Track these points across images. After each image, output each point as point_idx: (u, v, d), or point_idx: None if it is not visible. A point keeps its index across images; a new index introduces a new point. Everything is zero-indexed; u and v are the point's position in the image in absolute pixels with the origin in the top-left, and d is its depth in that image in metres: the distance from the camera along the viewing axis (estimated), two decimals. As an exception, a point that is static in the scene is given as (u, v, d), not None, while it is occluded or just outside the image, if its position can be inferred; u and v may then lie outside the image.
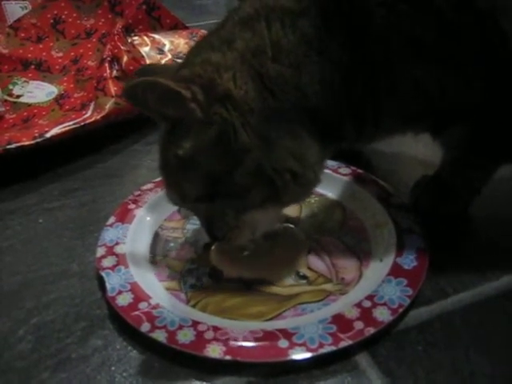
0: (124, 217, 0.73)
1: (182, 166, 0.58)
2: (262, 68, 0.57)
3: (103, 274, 0.64)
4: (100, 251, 0.67)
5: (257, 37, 0.57)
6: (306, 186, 0.62)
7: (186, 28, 1.24)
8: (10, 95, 1.10)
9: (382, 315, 0.57)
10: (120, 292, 0.61)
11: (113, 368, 0.56)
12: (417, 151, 0.81)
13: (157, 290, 0.63)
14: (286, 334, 0.55)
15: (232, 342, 0.55)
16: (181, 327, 0.56)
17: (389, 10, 0.55)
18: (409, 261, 0.63)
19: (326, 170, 0.79)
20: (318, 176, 0.62)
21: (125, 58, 1.04)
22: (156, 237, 0.73)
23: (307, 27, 0.57)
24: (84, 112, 0.96)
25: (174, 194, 0.62)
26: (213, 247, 0.68)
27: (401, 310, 0.57)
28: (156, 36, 1.16)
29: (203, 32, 1.21)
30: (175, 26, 1.22)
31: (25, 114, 1.04)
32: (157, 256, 0.69)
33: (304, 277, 0.65)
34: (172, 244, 0.71)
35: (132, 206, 0.75)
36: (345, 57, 0.57)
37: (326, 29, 0.56)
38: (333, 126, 0.60)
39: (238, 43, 0.57)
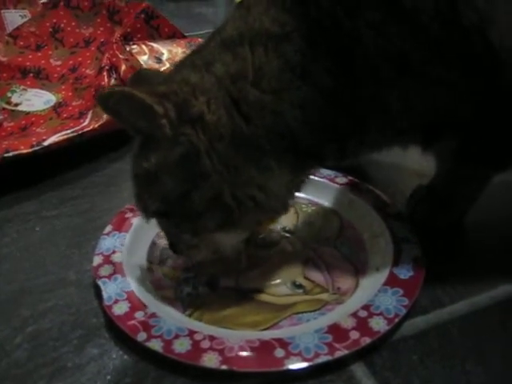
0: (121, 225, 0.73)
1: (146, 178, 0.58)
2: (239, 93, 0.56)
3: (100, 282, 0.64)
4: (97, 260, 0.67)
5: (238, 61, 0.57)
6: (270, 214, 0.63)
7: (184, 37, 1.24)
8: (9, 103, 1.10)
9: (378, 325, 0.57)
10: (116, 301, 0.61)
11: (108, 377, 0.56)
12: (413, 161, 0.81)
13: (153, 298, 0.63)
14: (282, 343, 0.55)
15: (228, 352, 0.55)
16: (177, 336, 0.56)
17: (377, 31, 0.55)
18: (405, 270, 0.63)
19: (323, 180, 0.80)
20: (285, 204, 0.62)
21: (123, 67, 1.04)
22: (153, 245, 0.72)
23: (291, 52, 0.56)
24: (82, 120, 0.96)
25: (138, 205, 0.62)
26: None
27: (397, 320, 0.57)
28: (154, 45, 1.17)
29: (201, 41, 1.22)
30: (173, 35, 1.23)
31: (23, 122, 1.04)
32: (153, 265, 0.69)
33: (300, 286, 0.65)
34: (169, 252, 0.71)
35: (129, 215, 0.75)
36: (330, 80, 0.56)
37: (311, 53, 0.56)
38: (313, 149, 0.60)
39: (217, 67, 0.57)
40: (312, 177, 0.72)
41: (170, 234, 0.64)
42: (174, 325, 0.58)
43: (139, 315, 0.59)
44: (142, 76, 0.69)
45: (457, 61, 0.57)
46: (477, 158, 0.66)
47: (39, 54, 1.22)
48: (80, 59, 1.19)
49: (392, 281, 0.62)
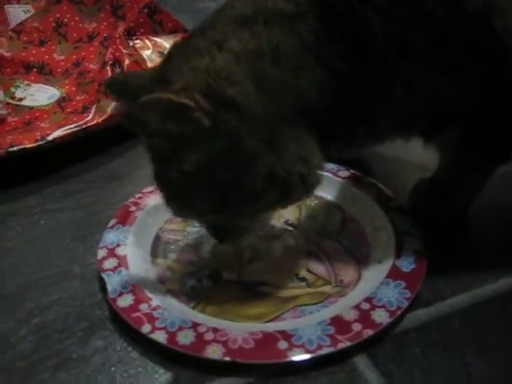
0: (125, 219, 0.74)
1: (189, 181, 0.55)
2: (262, 70, 0.55)
3: (104, 275, 0.64)
4: (101, 253, 0.68)
5: (255, 38, 0.55)
6: (311, 186, 0.61)
7: (187, 32, 1.24)
8: (13, 98, 1.10)
9: (381, 317, 0.57)
10: (121, 293, 0.61)
11: (113, 369, 0.56)
12: (415, 154, 0.82)
13: (157, 291, 0.63)
14: (285, 335, 0.56)
15: (231, 344, 0.55)
16: (181, 328, 0.57)
17: (385, 16, 0.55)
18: (407, 263, 0.64)
19: (326, 173, 0.80)
20: (321, 176, 0.62)
21: (126, 62, 1.04)
22: (157, 239, 0.73)
23: (306, 32, 0.56)
24: (86, 115, 0.96)
25: (180, 210, 0.61)
26: (211, 249, 0.70)
27: (399, 312, 0.58)
28: (158, 39, 1.16)
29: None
30: (176, 30, 1.22)
31: (27, 116, 1.04)
32: (157, 258, 0.70)
33: (303, 279, 0.66)
34: (172, 246, 0.72)
35: (133, 209, 0.76)
36: (341, 64, 0.56)
37: (324, 35, 0.56)
38: (328, 130, 0.60)
39: (232, 44, 0.55)
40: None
41: (220, 226, 0.62)
42: (177, 317, 0.58)
43: (143, 307, 0.59)
44: (121, 81, 0.65)
45: (460, 46, 0.57)
46: (479, 149, 0.66)
47: (43, 49, 1.22)
48: (83, 54, 1.19)
49: (394, 273, 0.63)
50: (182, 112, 0.51)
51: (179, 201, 0.59)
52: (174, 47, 0.61)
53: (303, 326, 0.57)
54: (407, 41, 0.56)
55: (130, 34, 1.16)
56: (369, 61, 0.57)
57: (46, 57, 1.20)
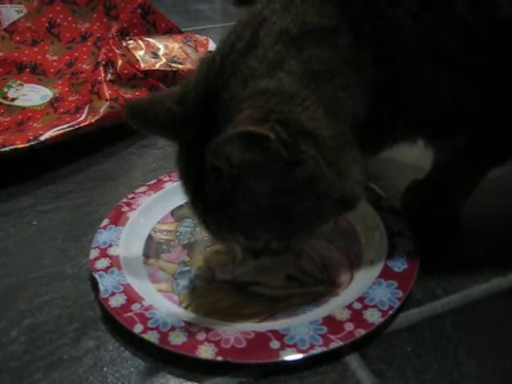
0: (117, 219, 0.74)
1: (258, 212, 0.53)
2: (324, 91, 0.53)
3: (96, 275, 0.64)
4: (93, 253, 0.68)
5: (312, 59, 0.53)
6: (359, 203, 0.59)
7: (181, 32, 1.24)
8: (5, 98, 1.10)
9: (373, 317, 0.57)
10: (113, 293, 0.61)
11: (105, 369, 0.56)
12: (408, 155, 0.82)
13: (149, 291, 0.63)
14: (278, 335, 0.56)
15: (223, 343, 0.55)
16: (173, 328, 0.57)
17: (414, 18, 0.55)
18: (399, 263, 0.64)
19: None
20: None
21: (119, 62, 1.04)
22: (149, 239, 0.73)
23: (344, 45, 0.55)
24: (78, 115, 0.96)
25: (239, 239, 0.59)
26: (206, 249, 0.70)
27: (391, 312, 0.58)
28: (151, 40, 1.16)
29: (197, 37, 1.22)
30: (170, 31, 1.23)
31: (19, 117, 1.04)
32: (150, 258, 0.70)
33: (295, 279, 0.66)
34: (165, 246, 0.72)
35: (125, 209, 0.76)
36: (374, 72, 0.56)
37: (358, 45, 0.55)
38: (365, 141, 0.58)
39: (292, 64, 0.52)
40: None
41: (273, 250, 0.60)
42: (170, 317, 0.58)
43: (135, 308, 0.59)
44: (142, 109, 0.59)
45: (487, 53, 0.57)
46: (481, 152, 0.67)
47: (35, 49, 1.21)
48: (76, 54, 1.18)
49: (386, 273, 0.63)
50: (262, 144, 0.47)
51: (245, 233, 0.56)
52: (220, 64, 0.54)
53: (295, 326, 0.57)
54: (435, 44, 0.56)
55: (123, 34, 1.16)
56: (397, 64, 0.56)
57: (39, 57, 1.20)
